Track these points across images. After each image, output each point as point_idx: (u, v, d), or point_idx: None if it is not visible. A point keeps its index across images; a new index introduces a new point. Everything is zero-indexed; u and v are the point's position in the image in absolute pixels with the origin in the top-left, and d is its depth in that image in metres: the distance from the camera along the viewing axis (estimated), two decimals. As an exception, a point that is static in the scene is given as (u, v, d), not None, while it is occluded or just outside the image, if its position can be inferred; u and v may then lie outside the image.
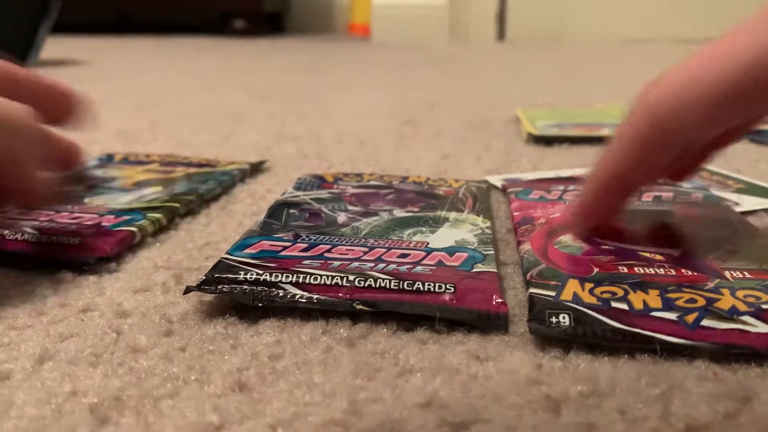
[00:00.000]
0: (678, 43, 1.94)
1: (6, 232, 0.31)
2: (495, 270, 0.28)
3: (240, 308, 0.26)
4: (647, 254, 0.29)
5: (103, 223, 0.33)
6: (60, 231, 0.31)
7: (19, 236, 0.31)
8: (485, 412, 0.19)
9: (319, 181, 0.41)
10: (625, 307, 0.24)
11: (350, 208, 0.36)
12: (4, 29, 1.18)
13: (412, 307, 0.25)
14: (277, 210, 0.35)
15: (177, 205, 0.36)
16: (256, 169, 0.48)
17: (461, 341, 0.23)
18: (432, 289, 0.25)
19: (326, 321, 0.25)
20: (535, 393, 0.20)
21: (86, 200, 0.36)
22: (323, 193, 0.39)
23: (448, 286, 0.26)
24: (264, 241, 0.30)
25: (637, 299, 0.24)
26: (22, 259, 0.30)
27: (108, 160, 0.47)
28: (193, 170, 0.44)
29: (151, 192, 0.38)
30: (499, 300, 0.25)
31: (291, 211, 0.35)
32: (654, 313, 0.23)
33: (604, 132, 0.59)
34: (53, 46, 1.46)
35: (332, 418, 0.19)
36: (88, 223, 0.33)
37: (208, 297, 0.26)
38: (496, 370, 0.22)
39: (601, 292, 0.25)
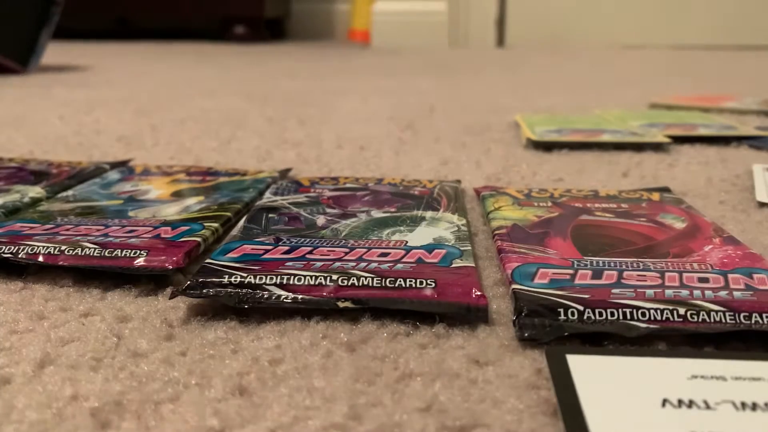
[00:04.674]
0: (677, 49, 1.95)
1: (64, 247, 0.30)
2: (473, 265, 0.29)
3: (240, 313, 0.26)
4: None
5: (162, 235, 0.32)
6: (123, 245, 0.30)
7: (79, 251, 0.30)
8: (485, 416, 0.19)
9: (296, 186, 0.42)
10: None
11: (328, 210, 0.37)
12: (5, 35, 1.19)
13: (395, 303, 0.25)
14: (257, 215, 0.36)
15: (229, 214, 0.36)
16: (284, 177, 0.48)
17: (461, 345, 0.23)
18: (414, 285, 0.26)
19: (326, 325, 0.25)
20: (534, 397, 0.20)
21: (131, 213, 0.36)
22: (301, 197, 0.39)
23: (429, 281, 0.26)
24: (246, 246, 0.30)
25: None
26: (81, 273, 0.29)
27: (130, 172, 0.46)
28: (224, 179, 0.44)
29: (195, 202, 0.38)
30: (479, 293, 0.26)
31: (270, 215, 0.35)
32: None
33: (604, 138, 0.59)
34: (54, 52, 1.46)
35: (332, 422, 0.19)
36: (147, 235, 0.31)
37: (209, 301, 0.27)
38: (495, 374, 0.22)
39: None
